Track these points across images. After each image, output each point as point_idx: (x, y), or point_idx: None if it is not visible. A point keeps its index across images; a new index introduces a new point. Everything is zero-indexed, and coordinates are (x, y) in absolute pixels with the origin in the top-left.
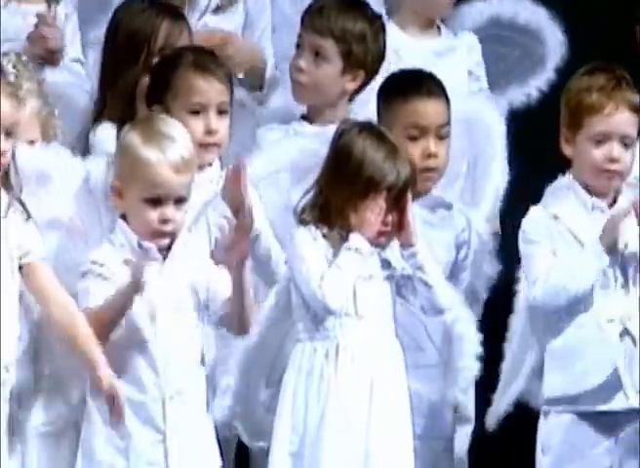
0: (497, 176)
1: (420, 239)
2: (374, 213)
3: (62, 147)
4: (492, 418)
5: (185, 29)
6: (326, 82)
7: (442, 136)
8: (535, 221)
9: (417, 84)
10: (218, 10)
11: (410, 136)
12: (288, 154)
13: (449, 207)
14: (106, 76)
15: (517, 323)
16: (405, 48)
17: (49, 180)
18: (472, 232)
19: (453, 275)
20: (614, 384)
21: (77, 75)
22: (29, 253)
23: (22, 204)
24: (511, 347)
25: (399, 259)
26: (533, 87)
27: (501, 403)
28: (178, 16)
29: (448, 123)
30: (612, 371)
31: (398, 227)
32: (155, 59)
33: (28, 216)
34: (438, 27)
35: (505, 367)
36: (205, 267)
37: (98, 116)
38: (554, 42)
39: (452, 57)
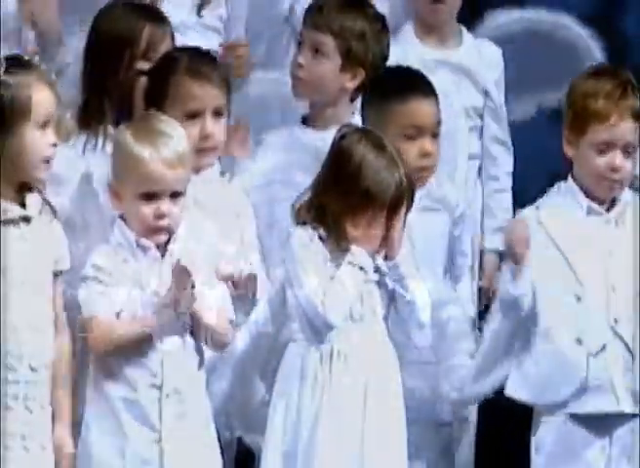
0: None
1: (402, 252)
2: (378, 229)
3: (72, 149)
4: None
5: (168, 32)
6: (324, 78)
7: (436, 135)
8: None
9: (412, 84)
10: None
11: (407, 136)
12: (282, 166)
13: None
14: (90, 84)
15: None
16: (414, 58)
17: (59, 182)
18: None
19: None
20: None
21: None
22: (58, 261)
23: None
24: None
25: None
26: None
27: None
28: (160, 18)
29: (440, 121)
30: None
31: (384, 238)
32: (139, 64)
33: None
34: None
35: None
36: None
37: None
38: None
39: (466, 76)
